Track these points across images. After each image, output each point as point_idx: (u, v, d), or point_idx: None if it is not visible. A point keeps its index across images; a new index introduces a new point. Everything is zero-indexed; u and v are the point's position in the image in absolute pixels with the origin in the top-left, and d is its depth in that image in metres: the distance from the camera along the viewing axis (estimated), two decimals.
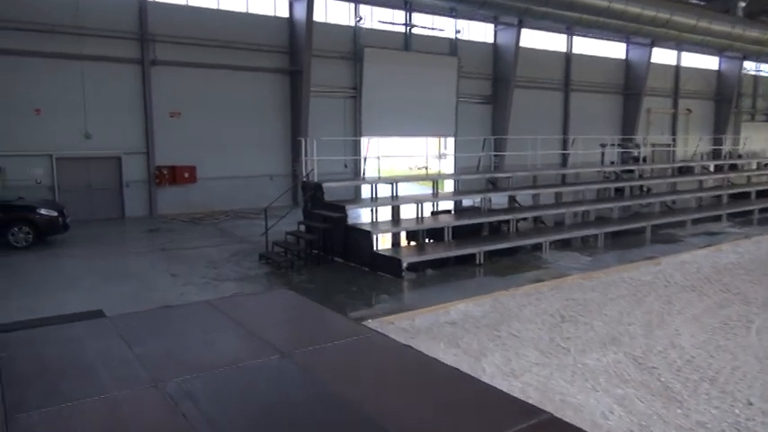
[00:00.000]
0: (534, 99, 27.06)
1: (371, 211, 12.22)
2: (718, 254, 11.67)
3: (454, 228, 12.03)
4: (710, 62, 36.04)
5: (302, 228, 12.08)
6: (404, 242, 12.34)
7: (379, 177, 13.49)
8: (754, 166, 24.49)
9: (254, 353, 3.78)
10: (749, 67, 37.99)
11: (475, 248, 11.14)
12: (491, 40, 25.39)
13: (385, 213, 12.72)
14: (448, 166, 24.52)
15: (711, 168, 22.46)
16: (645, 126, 31.85)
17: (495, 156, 22.21)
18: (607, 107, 30.74)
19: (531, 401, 5.14)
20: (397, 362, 3.73)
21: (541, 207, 14.81)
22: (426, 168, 17.63)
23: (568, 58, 28.41)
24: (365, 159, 13.97)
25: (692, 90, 34.97)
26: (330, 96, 20.68)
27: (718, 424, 4.77)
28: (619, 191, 17.42)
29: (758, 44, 26.47)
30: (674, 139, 32.94)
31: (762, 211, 17.87)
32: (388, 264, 10.37)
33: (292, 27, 19.36)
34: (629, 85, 31.09)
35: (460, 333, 7.01)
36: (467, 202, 14.74)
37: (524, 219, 14.03)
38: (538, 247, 12.42)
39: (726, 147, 29.07)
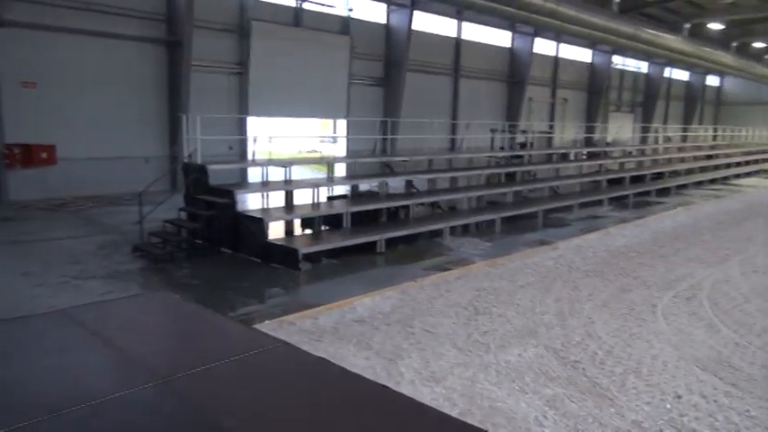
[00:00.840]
0: (425, 83, 26.93)
1: (263, 196, 11.16)
2: (608, 237, 11.95)
3: (352, 214, 11.32)
4: (584, 55, 38.15)
5: (183, 215, 10.76)
6: (298, 230, 11.46)
7: (271, 160, 12.43)
8: (621, 154, 26.16)
9: (122, 381, 2.83)
10: (617, 61, 40.75)
11: (376, 236, 10.50)
12: (384, 21, 24.80)
13: (277, 199, 11.71)
14: (339, 150, 23.78)
15: (585, 155, 23.69)
16: (527, 114, 33.03)
17: (387, 139, 21.82)
18: (493, 94, 31.44)
19: (458, 410, 4.60)
20: (311, 383, 2.96)
21: (438, 192, 14.52)
22: (318, 152, 16.81)
23: (458, 43, 28.56)
24: (255, 140, 12.79)
25: (569, 81, 36.83)
26: (214, 72, 19.03)
27: (654, 422, 4.47)
28: (509, 176, 17.63)
29: (631, 39, 28.19)
30: (551, 127, 34.61)
31: (636, 195, 18.96)
32: (284, 254, 9.44)
33: None
34: (514, 73, 31.98)
35: (370, 332, 6.31)
36: (363, 186, 14.08)
37: (422, 204, 13.65)
38: (437, 233, 12.05)
39: (597, 135, 30.97)
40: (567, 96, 36.76)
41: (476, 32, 29.55)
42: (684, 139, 40.24)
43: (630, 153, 26.84)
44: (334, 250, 10.03)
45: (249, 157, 14.03)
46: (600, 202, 17.07)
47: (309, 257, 9.55)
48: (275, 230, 10.82)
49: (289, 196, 11.66)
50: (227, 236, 10.25)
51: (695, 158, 28.91)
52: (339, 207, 11.56)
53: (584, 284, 8.33)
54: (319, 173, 17.30)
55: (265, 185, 11.57)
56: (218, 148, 15.98)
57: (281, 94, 20.68)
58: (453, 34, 28.34)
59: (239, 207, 10.47)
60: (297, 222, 11.54)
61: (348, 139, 22.93)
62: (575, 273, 9.00)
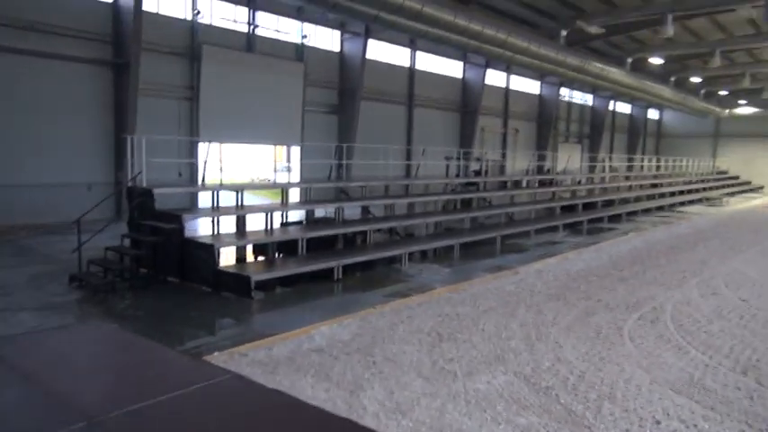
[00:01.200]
0: (380, 112, 26.95)
1: (213, 221, 10.60)
2: (567, 262, 11.90)
3: (307, 240, 10.88)
4: (534, 87, 39.22)
5: (127, 242, 10.09)
6: (251, 257, 10.93)
7: (222, 185, 11.92)
8: (572, 182, 26.69)
9: (43, 423, 2.38)
10: (564, 93, 42.06)
11: (332, 262, 10.08)
12: (338, 49, 24.77)
13: (228, 225, 11.18)
14: (293, 178, 23.35)
15: (537, 183, 24.04)
16: (480, 143, 33.46)
17: (342, 166, 21.60)
18: (446, 123, 31.76)
19: None
20: (265, 417, 2.56)
21: (395, 218, 14.25)
22: (270, 180, 16.40)
23: (412, 73, 28.82)
24: (205, 163, 12.26)
25: (519, 111, 37.67)
26: (164, 96, 18.42)
27: None
28: (465, 203, 17.58)
29: (578, 71, 29.08)
30: (503, 155, 35.15)
31: (589, 221, 19.21)
32: (235, 282, 8.91)
33: (117, 13, 16.84)
34: (466, 103, 32.45)
35: (329, 362, 5.87)
36: (318, 212, 13.69)
37: (379, 230, 13.34)
38: (395, 259, 11.72)
39: (548, 164, 31.60)
40: (518, 127, 37.54)
41: (429, 62, 29.94)
42: (630, 168, 41.66)
43: (580, 182, 27.44)
44: (289, 278, 9.54)
45: (199, 182, 13.44)
46: (555, 229, 17.17)
47: (263, 285, 9.04)
48: (226, 257, 10.27)
49: (240, 222, 11.15)
50: (173, 263, 9.64)
51: (642, 187, 29.81)
52: (294, 233, 11.11)
53: (548, 308, 8.13)
54: (272, 200, 16.83)
55: (216, 210, 11.02)
56: (168, 174, 15.35)
57: (233, 119, 20.19)
58: (407, 64, 28.61)
59: (188, 233, 9.91)
60: (249, 249, 11.02)
61: (302, 166, 22.55)
62: (537, 297, 8.81)
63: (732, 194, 38.03)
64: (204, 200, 14.21)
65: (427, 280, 10.37)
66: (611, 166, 40.82)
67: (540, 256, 12.88)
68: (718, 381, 5.58)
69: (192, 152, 18.57)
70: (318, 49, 23.79)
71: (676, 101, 41.54)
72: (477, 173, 23.04)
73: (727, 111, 51.82)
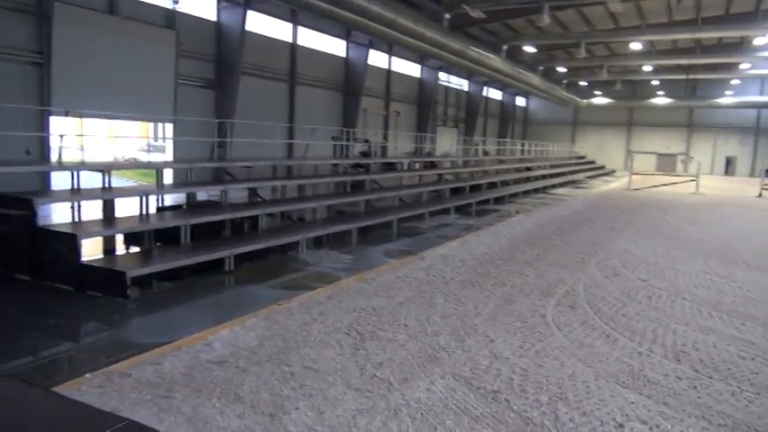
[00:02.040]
0: (260, 88, 25.33)
1: (73, 207, 8.92)
2: (469, 245, 11.59)
3: (191, 227, 9.53)
4: (414, 70, 39.34)
5: None
6: (121, 248, 9.39)
7: (84, 163, 10.14)
8: (452, 165, 27.06)
9: None
10: (443, 78, 42.74)
11: (224, 251, 8.88)
12: (214, 18, 22.77)
13: (91, 211, 9.52)
14: (165, 157, 21.21)
15: (425, 165, 24.01)
16: (363, 124, 32.92)
17: (224, 145, 20.01)
18: (330, 103, 30.76)
19: None
20: None
21: (286, 201, 13.20)
22: (144, 159, 14.54)
23: (294, 49, 27.41)
24: (62, 139, 10.37)
25: (400, 94, 37.60)
26: (5, 59, 15.61)
27: None
28: (355, 185, 16.87)
29: (459, 55, 29.39)
30: (385, 137, 34.96)
31: (478, 203, 19.39)
32: (105, 279, 7.45)
33: None
34: (349, 83, 31.62)
35: (237, 376, 4.85)
36: (200, 195, 12.27)
37: (270, 214, 12.22)
38: (290, 246, 10.72)
39: (428, 147, 31.89)
40: (399, 109, 37.48)
41: (312, 39, 28.70)
42: (504, 152, 43.42)
43: (461, 164, 27.90)
44: (171, 271, 8.23)
45: (53, 160, 11.43)
46: (447, 211, 17.02)
47: (138, 281, 7.66)
48: (91, 249, 8.69)
49: (108, 207, 9.54)
50: (23, 258, 7.92)
51: (518, 170, 31.03)
52: (175, 219, 9.68)
53: (466, 297, 7.64)
54: (143, 183, 15.00)
55: (77, 194, 9.29)
56: (12, 151, 13.00)
57: (93, 90, 17.68)
58: (289, 39, 27.16)
59: (41, 221, 8.18)
60: (119, 239, 9.46)
61: (176, 145, 20.50)
62: (451, 284, 8.30)
63: (592, 177, 40.94)
64: (60, 182, 12.17)
65: (329, 268, 9.52)
66: (485, 150, 42.33)
67: (438, 240, 12.53)
68: (657, 371, 5.34)
69: (43, 126, 15.99)
70: (192, 17, 21.65)
71: (543, 89, 43.83)
72: (365, 154, 22.45)
73: (585, 101, 55.86)
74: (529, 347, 5.82)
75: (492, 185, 23.65)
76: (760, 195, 26.56)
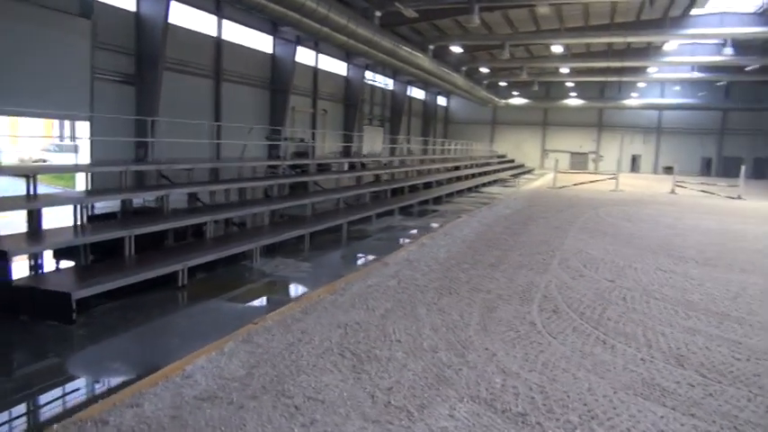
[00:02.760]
0: (184, 85, 23.92)
1: None
2: (429, 249, 11.27)
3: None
4: (341, 68, 38.79)
5: None
6: (51, 264, 8.32)
7: (3, 167, 8.91)
8: (378, 165, 26.74)
9: None
10: (368, 76, 42.47)
11: (176, 264, 8.04)
12: (134, 8, 21.19)
13: (8, 223, 8.38)
14: (79, 158, 19.49)
15: (360, 165, 23.59)
16: (290, 123, 32.00)
17: (141, 145, 18.73)
18: (256, 101, 29.64)
19: None
20: None
21: (230, 206, 12.36)
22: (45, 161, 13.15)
23: (219, 44, 26.11)
24: None
25: (327, 92, 36.96)
26: None
27: None
28: (296, 187, 16.20)
29: (389, 54, 29.18)
30: (313, 136, 34.23)
31: (419, 204, 19.21)
32: (46, 302, 6.47)
33: None
34: (277, 81, 30.62)
35: (236, 415, 4.22)
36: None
37: (215, 221, 11.35)
38: (240, 256, 9.97)
39: (356, 146, 31.50)
40: (326, 108, 36.83)
41: (238, 34, 27.49)
42: (430, 151, 43.74)
43: (397, 164, 27.72)
44: (117, 289, 7.31)
45: None
46: (391, 212, 16.71)
47: (80, 303, 6.72)
48: (15, 268, 7.58)
49: (34, 218, 8.42)
50: None
51: (447, 170, 31.27)
52: (118, 229, 8.67)
53: (448, 306, 7.29)
54: (63, 187, 13.66)
55: None
56: None
57: None
58: (214, 33, 25.84)
59: None
60: (48, 254, 8.37)
61: (93, 145, 18.87)
62: (427, 293, 7.93)
63: (515, 176, 42.11)
64: None
65: (291, 278, 8.92)
66: (409, 149, 42.50)
67: (390, 243, 12.19)
68: (667, 378, 5.22)
69: None
70: (110, 6, 20.04)
71: (466, 89, 44.65)
72: (300, 154, 21.72)
73: (504, 101, 57.58)
74: (534, 360, 5.55)
75: (428, 185, 23.59)
76: (673, 192, 28.24)
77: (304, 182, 16.14)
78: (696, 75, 41.28)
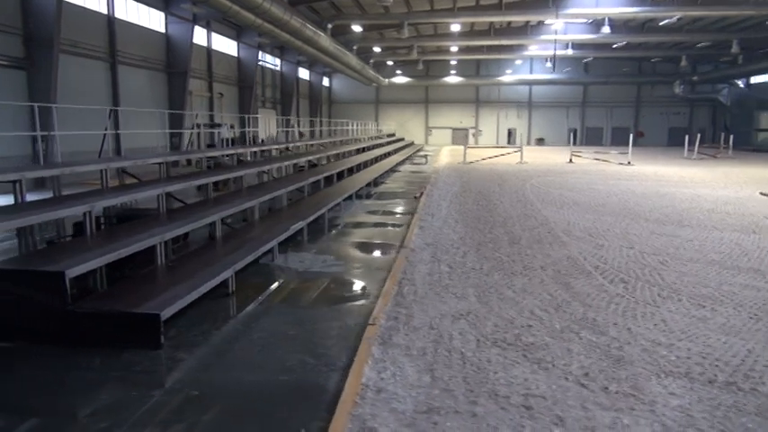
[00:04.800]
0: (78, 68, 21.40)
1: None
2: (431, 231, 11.14)
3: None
4: (232, 48, 36.80)
5: None
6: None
7: None
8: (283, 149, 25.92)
9: None
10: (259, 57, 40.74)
11: (227, 270, 7.18)
12: None
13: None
14: None
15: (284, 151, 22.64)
16: (189, 108, 29.88)
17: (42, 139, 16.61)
18: (154, 85, 27.31)
19: None
20: None
21: (220, 204, 11.26)
22: None
23: (112, 22, 23.56)
24: None
25: (223, 75, 35.01)
26: None
27: None
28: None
29: (294, 34, 28.14)
30: (212, 120, 32.32)
31: (365, 187, 18.88)
32: (122, 326, 5.49)
33: None
34: (173, 63, 28.40)
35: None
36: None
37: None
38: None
39: (253, 130, 30.19)
40: (222, 91, 34.85)
41: (130, 11, 24.95)
42: (329, 133, 43.13)
43: (299, 150, 26.91)
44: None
45: None
46: (349, 198, 16.28)
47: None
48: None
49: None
50: None
51: (357, 151, 31.02)
52: (139, 236, 7.50)
53: (528, 287, 7.28)
54: None
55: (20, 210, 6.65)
56: None
57: None
58: (105, 10, 23.22)
59: None
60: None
61: None
62: (492, 275, 7.85)
63: (415, 154, 42.88)
64: None
65: (329, 273, 8.37)
66: (300, 132, 41.61)
67: (381, 228, 11.94)
68: None
69: None
70: None
71: (358, 69, 44.48)
72: (232, 141, 20.35)
73: (387, 80, 58.19)
74: (676, 330, 5.73)
75: (351, 170, 23.24)
76: (570, 161, 30.52)
77: (262, 171, 15.15)
78: (571, 52, 44.57)
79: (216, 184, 13.46)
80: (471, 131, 63.27)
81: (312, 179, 15.46)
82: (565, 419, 4.02)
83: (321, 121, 45.55)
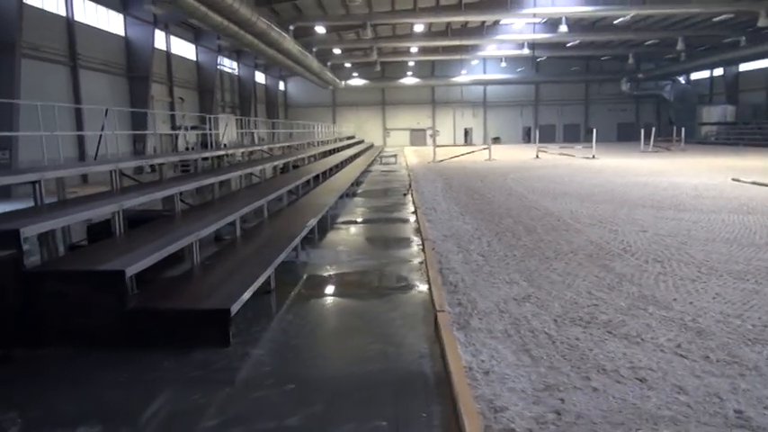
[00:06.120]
0: (41, 73, 20.38)
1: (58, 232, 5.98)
2: (442, 224, 11.13)
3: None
4: (191, 52, 35.93)
5: None
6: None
7: None
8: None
9: None
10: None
11: (269, 268, 6.93)
12: None
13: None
14: None
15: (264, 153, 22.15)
16: (150, 114, 28.91)
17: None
18: (115, 90, 26.31)
19: None
20: None
21: (227, 203, 10.91)
22: None
23: (71, 24, 22.57)
24: None
25: (183, 79, 34.15)
26: None
27: None
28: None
29: (259, 36, 27.64)
30: (173, 126, 31.40)
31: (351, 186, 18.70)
32: (189, 325, 5.22)
33: None
34: (134, 67, 27.46)
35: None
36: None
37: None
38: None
39: (214, 134, 29.55)
40: (182, 95, 33.94)
41: (89, 13, 23.96)
42: (289, 136, 42.55)
43: (270, 150, 26.46)
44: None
45: None
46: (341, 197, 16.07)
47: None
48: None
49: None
50: (13, 321, 5.06)
51: (330, 152, 30.76)
52: (180, 231, 7.14)
53: (571, 270, 7.35)
54: None
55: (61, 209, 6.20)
56: None
57: None
58: (63, 12, 22.23)
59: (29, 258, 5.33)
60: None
61: None
62: (531, 261, 7.89)
63: (380, 154, 42.82)
64: None
65: (357, 266, 8.23)
66: (260, 136, 40.95)
67: (385, 224, 11.85)
68: None
69: None
70: None
71: (317, 72, 44.16)
72: (204, 145, 19.78)
73: (344, 82, 58.01)
74: (736, 302, 5.89)
75: (331, 170, 23.03)
76: (537, 157, 31.19)
77: (249, 173, 14.78)
78: (527, 51, 45.58)
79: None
80: (429, 132, 63.78)
81: (304, 179, 15.21)
82: (685, 388, 4.05)
83: (280, 125, 44.95)
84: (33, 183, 6.84)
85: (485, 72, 60.82)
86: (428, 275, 7.32)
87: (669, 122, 54.31)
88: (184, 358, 4.96)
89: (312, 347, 5.32)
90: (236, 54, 43.73)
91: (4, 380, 4.61)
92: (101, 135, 14.34)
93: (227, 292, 5.80)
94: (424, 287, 7.02)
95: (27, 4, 19.28)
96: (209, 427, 3.83)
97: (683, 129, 40.11)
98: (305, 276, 7.81)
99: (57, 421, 3.93)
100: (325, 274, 7.93)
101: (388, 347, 5.19)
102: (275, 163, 16.99)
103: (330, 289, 7.23)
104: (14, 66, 17.93)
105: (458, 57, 52.89)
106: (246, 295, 5.69)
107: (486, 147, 32.30)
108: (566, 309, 5.81)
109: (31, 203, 7.08)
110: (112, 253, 5.98)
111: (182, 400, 4.24)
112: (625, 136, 60.22)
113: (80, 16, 23.10)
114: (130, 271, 5.23)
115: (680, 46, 42.01)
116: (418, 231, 10.72)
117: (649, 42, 45.93)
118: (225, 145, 33.61)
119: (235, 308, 5.29)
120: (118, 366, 4.82)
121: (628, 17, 33.76)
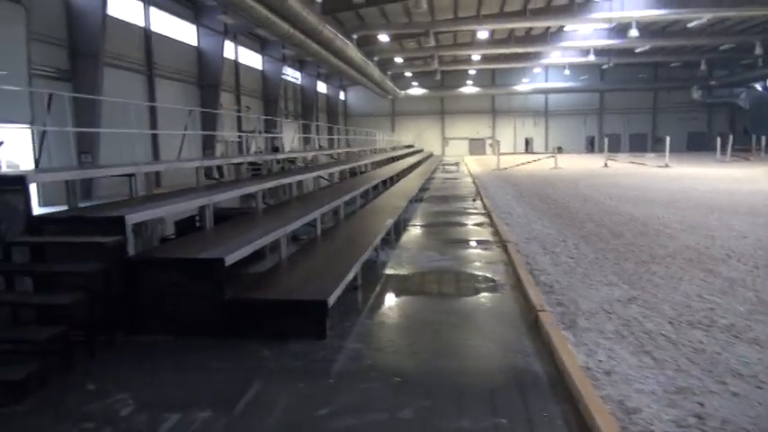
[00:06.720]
0: (120, 82, 21.23)
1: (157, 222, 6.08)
2: (520, 228, 10.80)
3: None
4: (257, 62, 36.81)
5: None
6: None
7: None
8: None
9: None
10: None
11: (357, 264, 6.81)
12: None
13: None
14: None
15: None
16: (220, 120, 29.73)
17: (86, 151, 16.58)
18: (188, 98, 27.14)
19: None
20: None
21: (303, 203, 10.97)
22: None
23: (149, 35, 23.48)
24: None
25: (249, 88, 34.96)
26: None
27: None
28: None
29: (325, 45, 27.96)
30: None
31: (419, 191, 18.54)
32: (282, 314, 5.14)
33: None
34: (204, 76, 28.27)
35: None
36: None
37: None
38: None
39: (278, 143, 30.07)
40: (248, 104, 34.75)
41: (164, 24, 24.90)
42: (347, 143, 42.88)
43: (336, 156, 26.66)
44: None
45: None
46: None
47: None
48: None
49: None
50: (118, 307, 5.11)
51: (392, 159, 30.75)
52: (270, 225, 7.14)
53: (674, 275, 6.92)
54: None
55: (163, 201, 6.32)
56: None
57: None
58: (142, 22, 23.16)
59: (132, 246, 5.38)
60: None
61: (42, 152, 16.01)
62: (627, 263, 7.49)
63: (441, 163, 42.60)
64: None
65: (440, 266, 8.01)
66: (320, 144, 41.38)
67: (456, 227, 11.59)
68: None
69: None
70: None
71: (378, 81, 44.38)
72: (276, 149, 20.14)
73: (403, 91, 58.13)
74: None
75: (395, 177, 22.95)
76: (606, 165, 30.17)
77: (319, 176, 14.86)
78: (593, 58, 44.35)
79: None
80: (488, 141, 63.03)
81: (372, 183, 15.17)
82: None
83: (345, 132, 45.41)
84: (129, 176, 6.99)
85: (546, 80, 59.66)
86: (517, 276, 7.03)
87: (744, 131, 51.61)
88: (281, 348, 4.88)
89: (409, 343, 5.13)
90: (298, 64, 44.54)
91: (111, 364, 4.64)
92: (183, 135, 14.74)
93: (318, 286, 5.70)
94: (513, 287, 6.73)
95: (110, 16, 20.14)
96: (322, 416, 3.70)
97: (762, 138, 37.97)
98: (387, 274, 7.66)
99: (168, 405, 3.89)
100: (407, 272, 7.76)
101: (488, 344, 4.96)
102: (343, 167, 17.01)
103: (414, 287, 7.04)
104: (97, 74, 18.72)
105: (520, 65, 52.14)
106: (339, 290, 5.57)
107: (551, 155, 31.49)
108: (679, 312, 5.41)
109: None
110: (205, 244, 6.00)
111: (287, 389, 4.13)
112: (695, 146, 57.63)
113: (156, 27, 24.00)
114: (230, 259, 5.21)
115: (758, 51, 39.92)
116: (494, 234, 10.43)
117: (724, 47, 43.84)
118: (291, 150, 34.27)
119: (331, 300, 5.18)
120: (218, 354, 4.78)
121: (704, 20, 32.28)
